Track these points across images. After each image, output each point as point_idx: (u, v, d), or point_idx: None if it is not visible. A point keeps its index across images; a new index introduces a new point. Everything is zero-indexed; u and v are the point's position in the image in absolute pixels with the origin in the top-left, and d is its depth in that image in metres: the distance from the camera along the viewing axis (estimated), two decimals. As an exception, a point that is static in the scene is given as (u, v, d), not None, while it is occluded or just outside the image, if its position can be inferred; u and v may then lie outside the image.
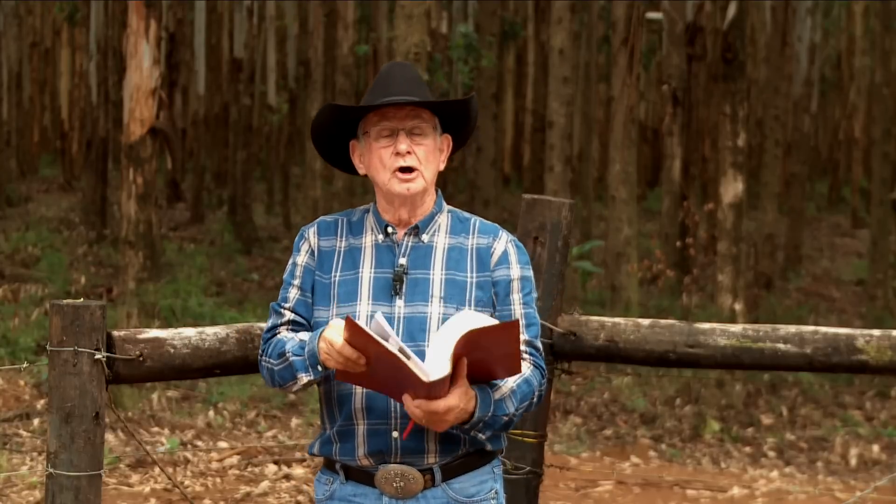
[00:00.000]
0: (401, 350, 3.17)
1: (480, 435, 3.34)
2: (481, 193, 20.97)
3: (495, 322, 3.26)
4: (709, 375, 11.48)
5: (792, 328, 4.19)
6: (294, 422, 10.53)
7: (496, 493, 3.47)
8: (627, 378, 12.09)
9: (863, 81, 28.82)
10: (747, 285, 13.55)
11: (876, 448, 10.71)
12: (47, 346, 3.52)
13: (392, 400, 3.35)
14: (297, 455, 9.27)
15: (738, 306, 11.95)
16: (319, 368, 3.32)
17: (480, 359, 3.23)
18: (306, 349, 3.34)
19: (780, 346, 4.16)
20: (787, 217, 22.41)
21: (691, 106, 19.00)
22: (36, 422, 9.67)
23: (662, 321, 4.31)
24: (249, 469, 8.91)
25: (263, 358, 3.47)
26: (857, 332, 4.17)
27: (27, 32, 32.55)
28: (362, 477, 3.41)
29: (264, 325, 3.85)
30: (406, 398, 3.22)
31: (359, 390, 3.37)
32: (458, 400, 3.22)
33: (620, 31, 16.27)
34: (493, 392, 3.31)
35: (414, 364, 3.16)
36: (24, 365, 4.08)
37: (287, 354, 3.38)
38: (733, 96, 12.26)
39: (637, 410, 11.62)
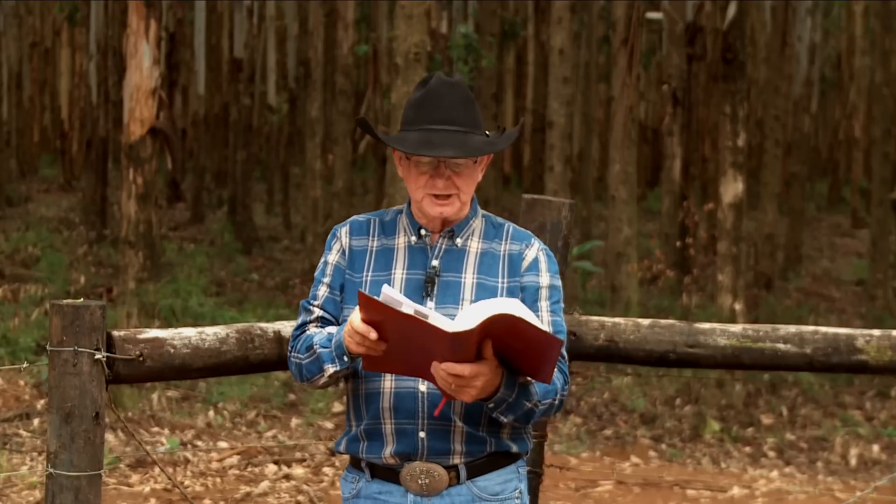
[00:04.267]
0: (416, 312, 3.16)
1: (503, 417, 3.33)
2: (481, 193, 20.95)
3: (543, 326, 3.24)
4: (709, 375, 11.48)
5: (792, 328, 4.19)
6: (294, 422, 10.54)
7: (521, 492, 3.49)
8: (627, 378, 12.09)
9: (863, 81, 28.81)
10: (747, 285, 13.56)
11: (876, 448, 10.71)
12: (47, 346, 3.51)
13: (420, 400, 3.36)
14: (297, 455, 9.27)
15: (738, 306, 11.95)
16: (346, 359, 3.33)
17: (514, 348, 3.22)
18: (333, 340, 3.36)
19: (780, 346, 4.16)
20: (787, 217, 22.40)
21: (691, 106, 19.00)
22: (36, 422, 9.67)
23: (662, 321, 4.30)
24: (249, 469, 8.91)
25: (292, 353, 3.48)
26: (857, 332, 4.17)
27: (27, 32, 32.56)
28: (388, 474, 3.43)
29: (264, 325, 3.88)
30: (434, 365, 3.20)
31: (387, 389, 3.39)
32: (486, 368, 3.20)
33: (620, 31, 16.26)
34: (519, 377, 3.31)
35: (434, 319, 3.16)
36: (24, 365, 4.08)
37: (315, 347, 3.40)
38: (733, 96, 12.26)
39: (637, 410, 11.61)
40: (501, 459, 3.45)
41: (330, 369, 3.37)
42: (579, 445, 10.45)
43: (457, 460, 3.39)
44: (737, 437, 11.01)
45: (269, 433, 10.17)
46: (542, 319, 3.43)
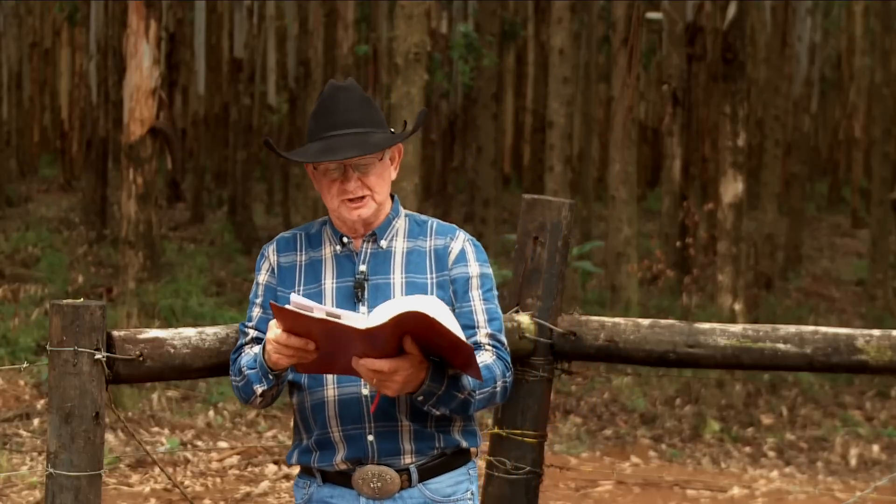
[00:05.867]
0: (328, 314, 3.19)
1: (435, 410, 3.34)
2: (481, 193, 20.96)
3: (457, 330, 3.22)
4: (709, 375, 11.48)
5: (792, 328, 4.19)
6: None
7: (472, 493, 3.51)
8: (627, 378, 12.09)
9: (863, 81, 28.80)
10: (747, 285, 13.55)
11: (876, 448, 10.71)
12: (47, 346, 3.51)
13: (364, 404, 3.39)
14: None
15: (738, 306, 11.95)
16: (270, 377, 3.36)
17: (437, 344, 3.22)
18: (258, 361, 3.39)
19: (780, 346, 4.15)
20: (787, 217, 22.40)
21: (691, 106, 18.99)
22: (36, 422, 9.67)
23: (662, 321, 4.30)
24: (249, 469, 8.91)
25: (231, 377, 3.53)
26: (857, 332, 4.16)
27: (27, 32, 32.55)
28: (339, 479, 3.45)
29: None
30: (354, 360, 3.22)
31: (330, 398, 3.41)
32: (406, 363, 3.21)
33: (620, 31, 16.26)
34: (450, 369, 3.31)
35: (346, 318, 3.18)
36: (24, 365, 4.07)
37: (244, 370, 3.44)
38: (733, 96, 12.26)
39: (637, 410, 11.61)
40: (453, 461, 3.47)
41: (259, 389, 3.40)
42: (579, 445, 10.44)
43: (408, 460, 3.41)
44: (737, 437, 11.01)
45: (269, 433, 10.18)
46: (475, 308, 3.44)
